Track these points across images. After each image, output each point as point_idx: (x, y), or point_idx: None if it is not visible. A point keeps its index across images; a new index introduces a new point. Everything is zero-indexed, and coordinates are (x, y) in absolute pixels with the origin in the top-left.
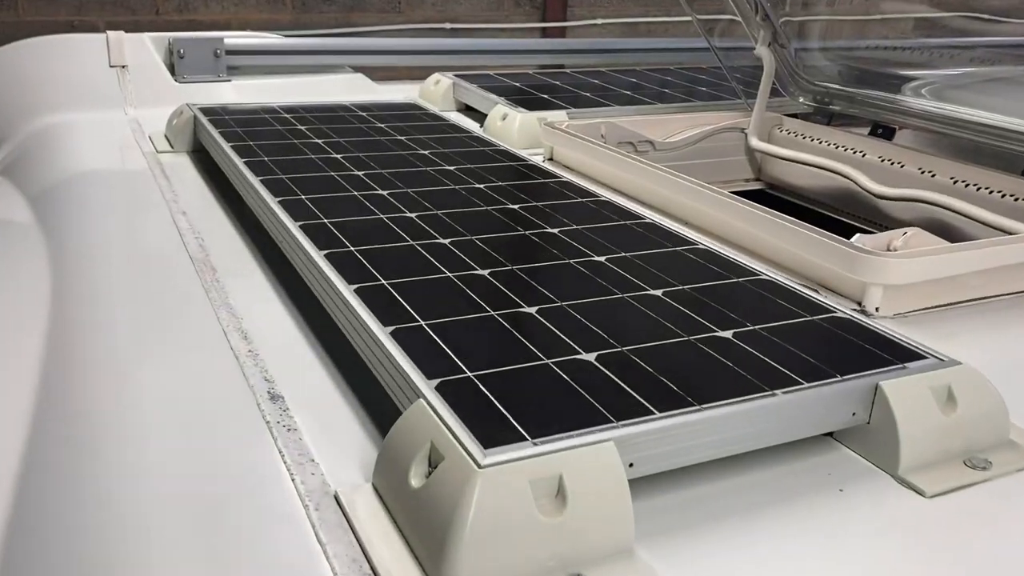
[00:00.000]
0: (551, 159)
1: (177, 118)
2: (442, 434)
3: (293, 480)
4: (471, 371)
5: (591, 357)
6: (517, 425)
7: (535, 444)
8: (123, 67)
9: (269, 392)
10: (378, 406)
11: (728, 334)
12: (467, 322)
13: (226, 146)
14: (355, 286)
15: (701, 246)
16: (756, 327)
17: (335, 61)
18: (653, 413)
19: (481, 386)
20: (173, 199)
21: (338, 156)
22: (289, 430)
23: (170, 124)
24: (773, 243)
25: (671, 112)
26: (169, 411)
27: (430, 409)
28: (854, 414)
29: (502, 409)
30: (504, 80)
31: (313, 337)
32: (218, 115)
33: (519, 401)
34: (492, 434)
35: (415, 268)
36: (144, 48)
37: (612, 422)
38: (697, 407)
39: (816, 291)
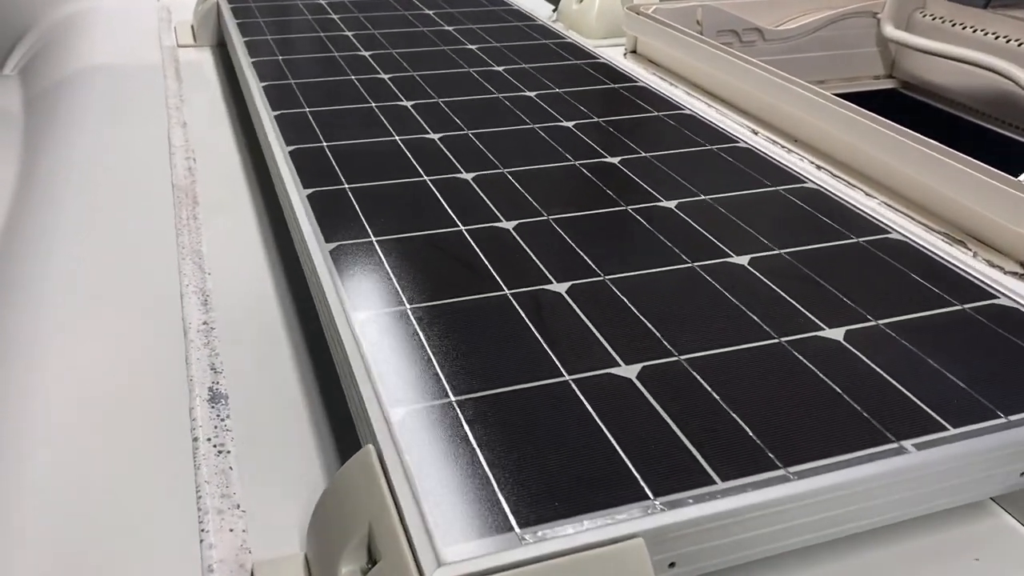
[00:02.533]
0: (634, 52)
1: (201, 4)
2: (385, 514)
3: (201, 539)
4: (457, 394)
5: (631, 372)
6: (502, 498)
7: (524, 540)
8: None
9: (211, 389)
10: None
11: (838, 334)
12: (469, 309)
13: (239, 41)
14: (333, 245)
15: (809, 184)
16: (879, 322)
17: None
18: (714, 482)
19: (463, 420)
20: (177, 106)
21: (367, 54)
22: (219, 452)
23: (196, 12)
24: (906, 175)
25: None
26: (70, 407)
27: (378, 464)
28: (1023, 474)
29: (486, 468)
30: None
31: (291, 305)
32: (243, 1)
33: (515, 458)
34: (461, 519)
35: (421, 218)
36: None
37: (648, 499)
38: (783, 471)
39: (966, 247)
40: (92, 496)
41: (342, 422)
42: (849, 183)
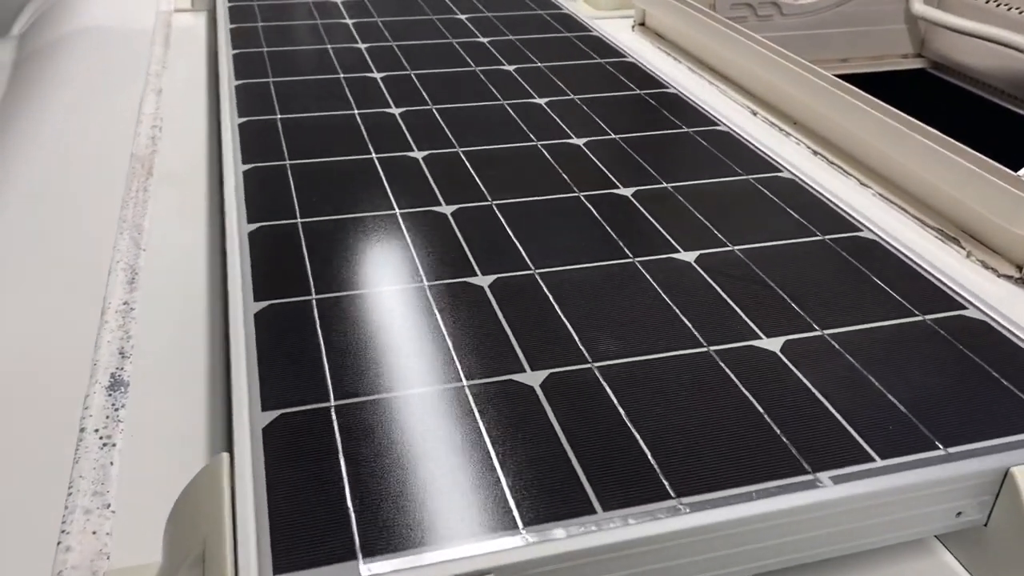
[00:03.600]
0: (643, 24)
1: None
2: (219, 532)
3: (60, 540)
4: (339, 397)
5: (536, 380)
6: (354, 523)
7: (366, 572)
8: None
9: (113, 375)
10: None
11: (775, 345)
12: (379, 300)
13: (224, 4)
14: (254, 226)
15: (785, 173)
16: (824, 332)
17: None
18: (594, 511)
19: (336, 430)
20: (157, 72)
21: (350, 22)
22: (104, 445)
23: None
24: (902, 165)
25: None
26: None
27: (227, 476)
28: (959, 514)
29: (346, 487)
30: None
31: (220, 289)
32: None
33: (382, 479)
34: (300, 543)
35: (357, 200)
36: None
37: (515, 529)
38: (675, 501)
39: (960, 246)
40: None
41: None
42: (844, 171)
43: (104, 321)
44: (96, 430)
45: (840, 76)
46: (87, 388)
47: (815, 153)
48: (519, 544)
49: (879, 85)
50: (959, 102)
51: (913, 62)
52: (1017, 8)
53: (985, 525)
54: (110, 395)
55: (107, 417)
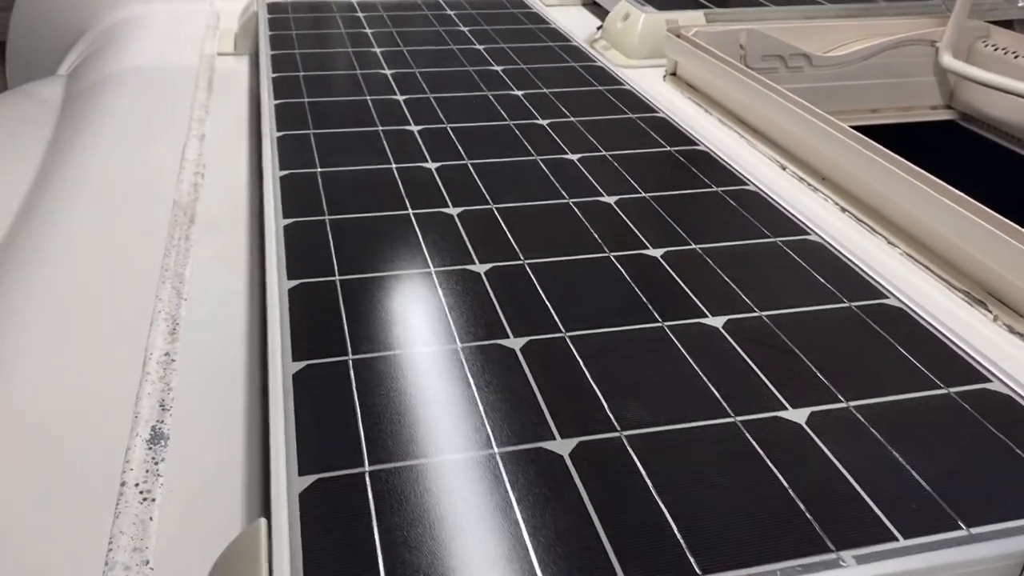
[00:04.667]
0: (674, 74)
1: (245, 14)
2: None
3: None
4: (373, 463)
5: (565, 448)
6: None
7: None
8: None
9: (154, 428)
10: None
11: (801, 416)
12: (413, 362)
13: (267, 52)
14: (294, 283)
15: (814, 236)
16: (849, 404)
17: None
18: None
19: (371, 497)
20: (200, 117)
21: (388, 72)
22: (144, 499)
23: (240, 20)
24: (929, 226)
25: (839, 16)
26: (5, 433)
27: (264, 542)
28: None
29: (379, 559)
30: None
31: (258, 342)
32: (283, 12)
33: (417, 547)
34: None
35: (394, 257)
36: None
37: None
38: None
39: (987, 309)
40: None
41: None
42: (872, 228)
43: (146, 372)
44: (136, 484)
45: (869, 127)
46: (128, 440)
47: (843, 210)
48: None
49: (908, 135)
50: (988, 154)
51: (942, 113)
52: None
53: None
54: (150, 448)
55: (147, 471)
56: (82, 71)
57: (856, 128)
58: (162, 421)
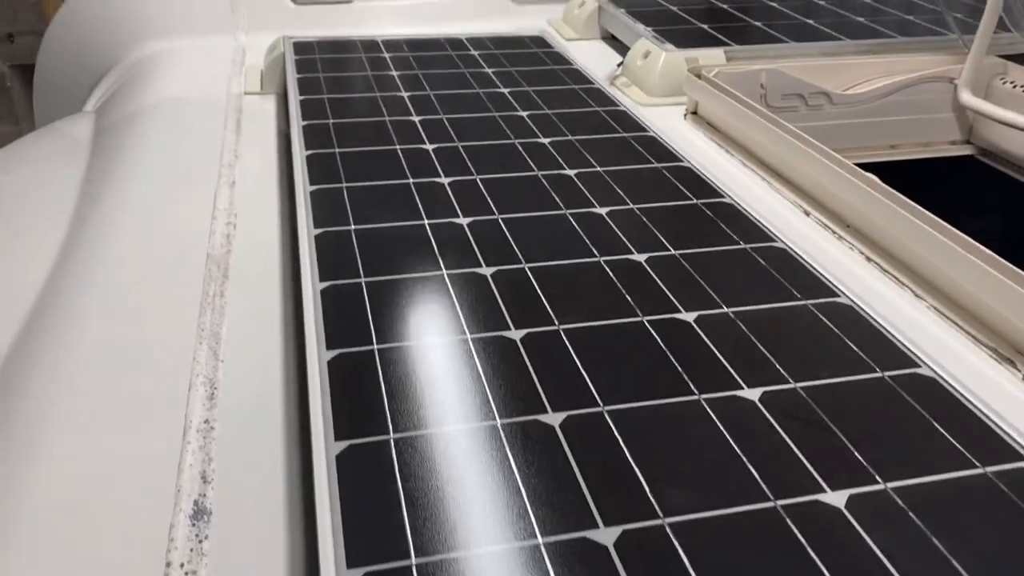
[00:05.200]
0: (695, 113)
1: (271, 53)
2: None
3: None
4: (420, 555)
5: (609, 539)
6: None
7: None
8: None
9: (196, 503)
10: None
11: (840, 500)
12: (455, 441)
13: (295, 99)
14: (333, 353)
15: (843, 299)
16: (887, 486)
17: None
18: None
19: None
20: (230, 163)
21: (417, 119)
22: None
23: (266, 59)
24: (954, 281)
25: (858, 52)
26: (48, 513)
27: None
28: None
29: None
30: (661, 2)
31: (298, 406)
32: (310, 53)
33: None
34: None
35: (431, 323)
36: None
37: None
38: None
39: (1015, 367)
40: None
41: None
42: (898, 280)
43: (186, 442)
44: (182, 564)
45: (889, 163)
46: (172, 516)
47: (868, 259)
48: None
49: (927, 171)
50: (1007, 189)
51: (961, 149)
52: None
53: None
54: (194, 525)
55: (191, 550)
56: (110, 108)
57: (876, 164)
58: (204, 495)
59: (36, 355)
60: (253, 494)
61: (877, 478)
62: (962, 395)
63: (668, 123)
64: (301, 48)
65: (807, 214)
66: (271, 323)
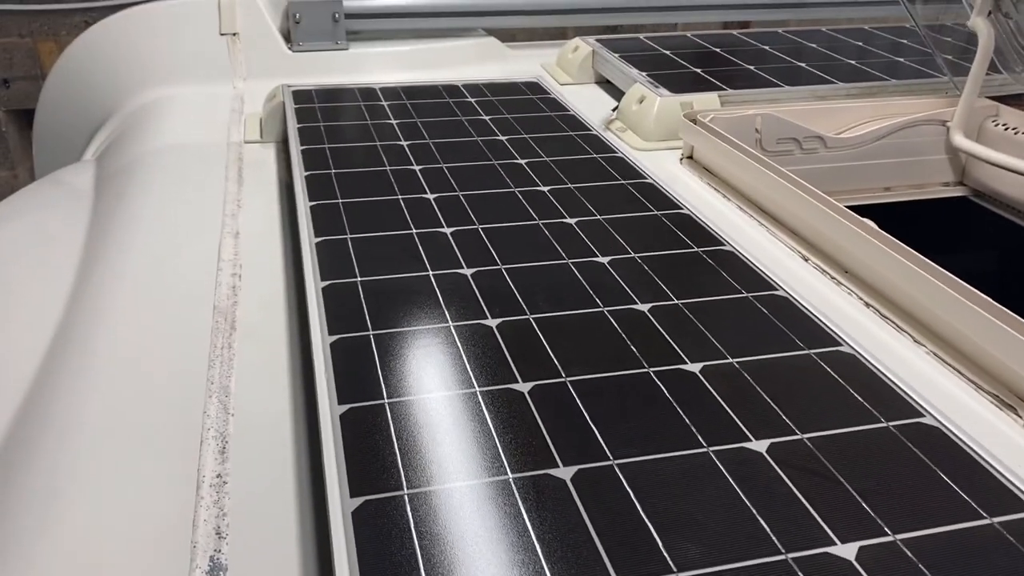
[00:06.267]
0: (690, 158)
1: (270, 101)
2: None
3: None
4: None
5: None
6: None
7: None
8: (234, 35)
9: (212, 559)
10: None
11: (850, 552)
12: (467, 496)
13: (296, 149)
14: (344, 408)
15: (845, 348)
16: (896, 538)
17: (465, 24)
18: None
19: None
20: (233, 213)
21: (417, 168)
22: None
23: (265, 107)
24: (954, 328)
25: (850, 96)
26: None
27: None
28: None
29: None
30: (655, 47)
31: (309, 461)
32: (309, 102)
33: None
34: None
35: (439, 376)
36: (258, 13)
37: None
38: None
39: (1017, 414)
40: None
41: None
42: (897, 326)
43: (200, 497)
44: None
45: (883, 204)
46: (188, 573)
47: (867, 305)
48: None
49: (921, 212)
50: (1000, 230)
51: (955, 190)
52: None
53: None
54: None
55: None
56: (111, 156)
57: (870, 207)
58: (219, 551)
59: (47, 411)
60: (268, 549)
61: (886, 529)
62: (966, 444)
63: (665, 168)
64: (300, 97)
65: (805, 260)
66: (280, 376)
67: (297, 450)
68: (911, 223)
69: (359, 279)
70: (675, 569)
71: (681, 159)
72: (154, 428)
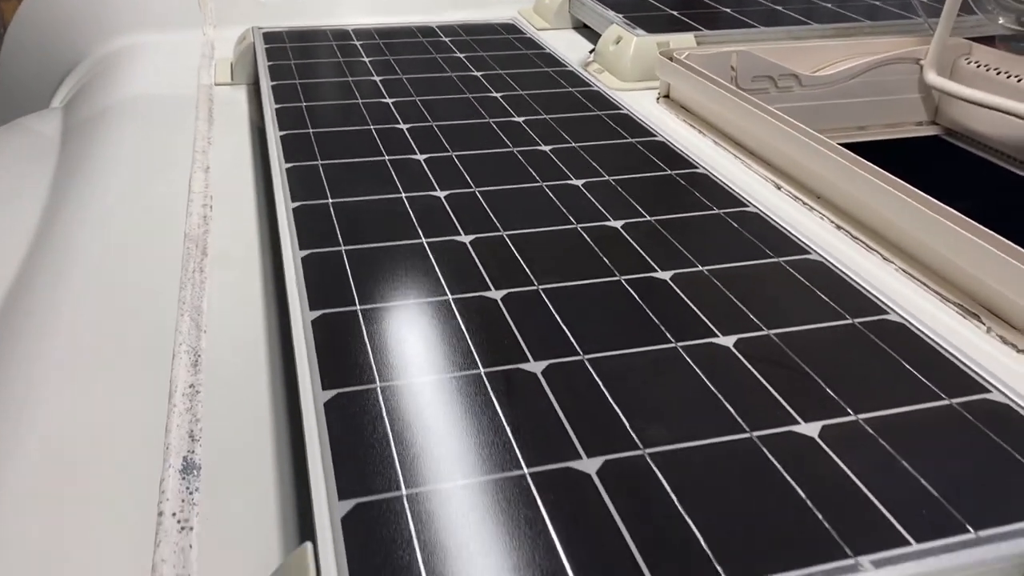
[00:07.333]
0: (667, 97)
1: (240, 44)
2: None
3: None
4: (410, 487)
5: (592, 467)
6: None
7: None
8: None
9: (186, 459)
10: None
11: (813, 430)
12: (440, 389)
13: (266, 85)
14: (316, 313)
15: (814, 255)
16: (858, 417)
17: None
18: None
19: (410, 519)
20: (204, 149)
21: (390, 101)
22: (182, 529)
23: (236, 50)
24: (922, 242)
25: (825, 36)
26: (40, 469)
27: (312, 566)
28: None
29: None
30: None
31: (281, 371)
32: (280, 42)
33: (455, 566)
34: None
35: (412, 286)
36: None
37: None
38: None
39: (980, 321)
40: (45, 561)
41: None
42: (867, 246)
43: (172, 405)
44: (174, 514)
45: (857, 143)
46: (161, 471)
47: (838, 228)
48: None
49: (895, 151)
50: (973, 168)
51: (927, 129)
52: None
53: None
54: (184, 478)
55: (183, 500)
56: (78, 104)
57: (844, 145)
58: (193, 451)
59: (18, 328)
60: (241, 449)
61: (848, 410)
62: (930, 338)
63: (641, 106)
64: (271, 38)
65: (779, 188)
66: (251, 296)
67: (271, 360)
68: (885, 162)
69: (330, 200)
70: (642, 446)
71: (658, 98)
72: (124, 345)
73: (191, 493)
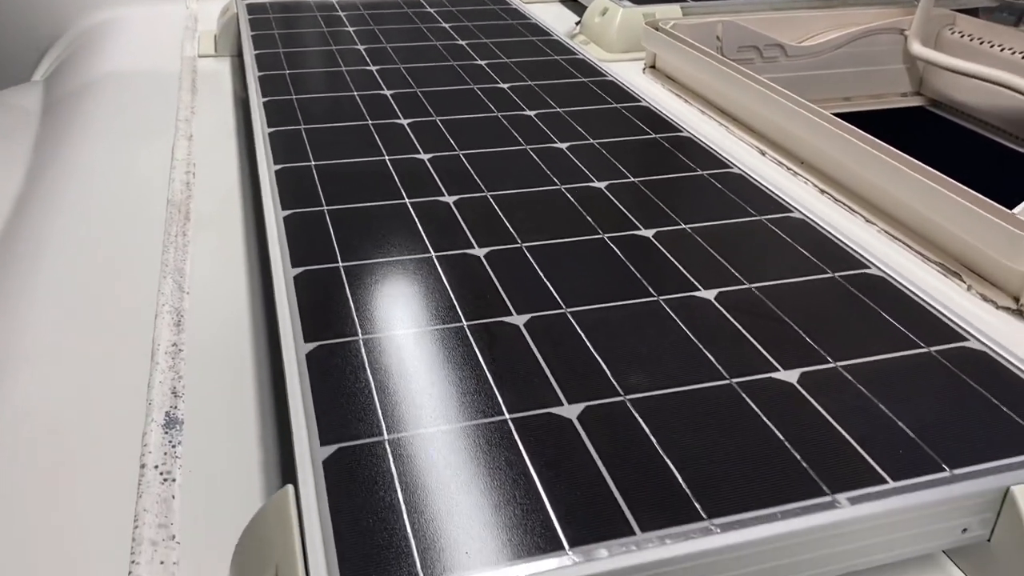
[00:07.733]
0: (653, 67)
1: (223, 16)
2: (291, 560)
3: (130, 571)
4: (391, 432)
5: (573, 413)
6: (415, 550)
7: None
8: None
9: (168, 414)
10: None
11: (792, 376)
12: (422, 340)
13: (249, 53)
14: (298, 270)
15: (796, 214)
16: (837, 364)
17: None
18: (633, 533)
19: (391, 461)
20: (187, 118)
21: (374, 68)
22: (165, 480)
23: (219, 22)
24: (905, 203)
25: (811, 6)
26: (25, 423)
27: (293, 507)
28: (964, 530)
29: (404, 516)
30: None
31: (264, 330)
32: (264, 12)
33: (436, 504)
34: (369, 569)
35: (394, 244)
36: None
37: (561, 550)
38: (707, 523)
39: (961, 280)
40: (28, 514)
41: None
42: (851, 209)
43: (155, 363)
44: (156, 466)
45: (842, 114)
46: (144, 426)
47: (822, 192)
48: (566, 563)
49: (880, 122)
50: (956, 138)
51: (912, 100)
52: (1009, 49)
53: (989, 540)
54: (167, 432)
55: (165, 454)
56: (60, 77)
57: None
58: (175, 407)
59: (3, 289)
60: (224, 404)
61: (828, 358)
62: (910, 291)
63: (627, 76)
64: (255, 8)
65: (763, 154)
66: (234, 259)
67: (253, 321)
68: (870, 133)
69: (313, 163)
70: (623, 393)
71: (644, 69)
72: (109, 305)
73: (174, 447)
